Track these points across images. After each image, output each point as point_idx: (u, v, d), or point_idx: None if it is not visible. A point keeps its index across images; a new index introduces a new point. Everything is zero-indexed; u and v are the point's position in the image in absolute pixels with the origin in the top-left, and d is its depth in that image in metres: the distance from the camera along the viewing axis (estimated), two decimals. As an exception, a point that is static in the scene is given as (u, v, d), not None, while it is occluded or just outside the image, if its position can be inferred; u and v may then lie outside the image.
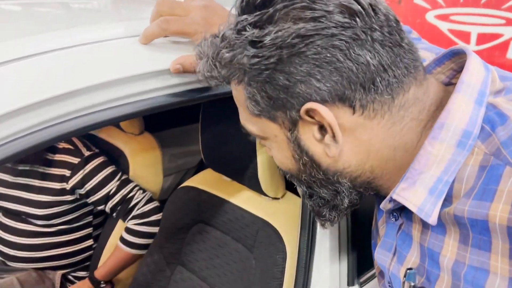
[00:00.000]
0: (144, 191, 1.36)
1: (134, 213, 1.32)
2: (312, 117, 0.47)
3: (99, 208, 1.34)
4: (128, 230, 1.32)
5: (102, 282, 1.33)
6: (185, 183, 1.21)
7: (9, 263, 1.33)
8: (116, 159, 1.41)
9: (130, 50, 0.59)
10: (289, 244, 0.93)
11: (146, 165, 1.43)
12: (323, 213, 0.56)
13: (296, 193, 1.05)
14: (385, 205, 0.52)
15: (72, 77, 0.52)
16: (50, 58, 0.53)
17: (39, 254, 1.33)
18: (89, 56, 0.56)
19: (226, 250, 1.08)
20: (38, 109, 0.50)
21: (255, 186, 1.00)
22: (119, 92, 0.55)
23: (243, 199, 1.07)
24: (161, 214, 1.32)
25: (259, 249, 0.98)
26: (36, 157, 1.28)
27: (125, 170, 1.39)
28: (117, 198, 1.31)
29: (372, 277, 0.85)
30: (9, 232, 1.33)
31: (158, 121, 1.53)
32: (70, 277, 1.40)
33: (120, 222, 1.37)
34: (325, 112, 0.46)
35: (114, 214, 1.34)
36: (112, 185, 1.30)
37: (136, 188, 1.34)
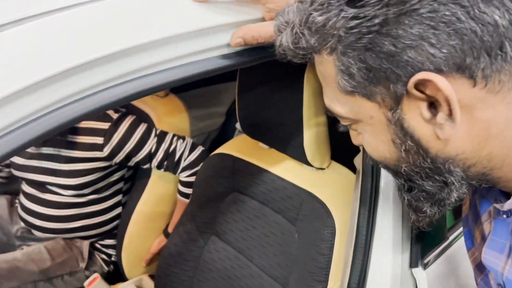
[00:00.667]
0: (183, 139, 1.29)
1: (182, 165, 1.26)
2: (422, 91, 0.38)
3: (144, 167, 1.29)
4: (183, 183, 1.28)
5: None
6: (218, 150, 1.13)
7: (36, 233, 1.30)
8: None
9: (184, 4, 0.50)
10: (339, 219, 0.86)
11: (173, 129, 1.35)
12: (423, 209, 0.47)
13: (341, 163, 0.97)
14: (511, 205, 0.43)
15: (121, 35, 0.44)
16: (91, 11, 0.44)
17: (68, 225, 1.28)
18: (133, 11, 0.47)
19: (264, 221, 1.02)
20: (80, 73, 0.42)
21: (299, 155, 0.92)
22: (175, 51, 0.46)
23: (284, 168, 0.99)
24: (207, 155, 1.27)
25: (303, 222, 0.92)
26: None
27: (151, 135, 1.32)
28: (160, 154, 1.25)
29: (437, 257, 0.78)
30: (35, 202, 1.28)
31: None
32: (97, 245, 1.36)
33: (149, 185, 1.32)
34: (442, 83, 0.37)
35: (163, 169, 1.28)
36: (151, 142, 1.23)
37: (175, 138, 1.27)
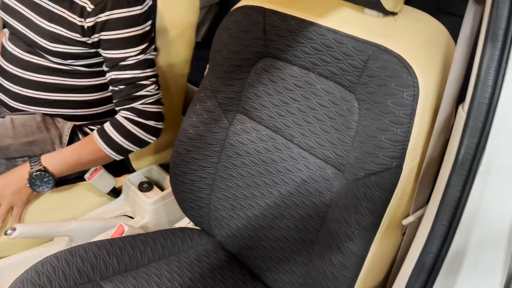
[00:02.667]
0: (158, 88, 1.03)
1: (134, 104, 1.00)
2: None
3: (104, 69, 1.02)
4: (115, 123, 1.00)
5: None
6: (242, 2, 0.87)
7: (11, 102, 1.07)
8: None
9: None
10: (423, 78, 0.64)
11: None
12: None
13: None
14: None
15: None
16: None
17: (49, 96, 1.05)
18: None
19: (309, 92, 0.80)
20: None
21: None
22: None
23: (337, 18, 0.75)
24: (160, 124, 1.03)
25: (368, 86, 0.70)
26: None
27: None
28: (127, 74, 0.98)
29: None
30: (13, 64, 1.04)
31: None
32: (86, 129, 1.14)
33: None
34: None
35: (110, 88, 1.02)
36: (131, 53, 0.97)
37: (154, 79, 1.02)
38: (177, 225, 1.13)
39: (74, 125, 1.10)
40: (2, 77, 1.07)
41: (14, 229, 0.92)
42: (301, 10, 0.78)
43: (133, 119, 1.00)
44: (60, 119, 1.08)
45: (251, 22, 0.84)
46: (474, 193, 0.53)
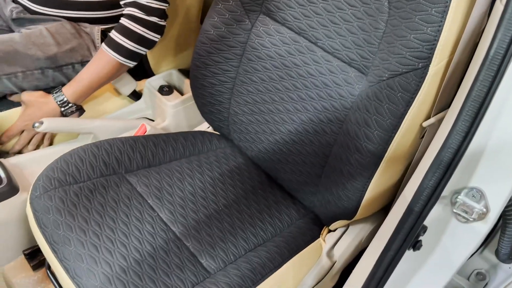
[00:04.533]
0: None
1: None
2: None
3: None
4: (119, 27, 1.00)
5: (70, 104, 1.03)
6: None
7: (33, 6, 1.06)
8: None
9: None
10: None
11: None
12: None
13: None
14: None
15: None
16: None
17: None
18: None
19: (337, -10, 0.77)
20: None
21: None
22: None
23: None
24: (163, 22, 1.01)
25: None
26: None
27: None
28: None
29: None
30: None
31: None
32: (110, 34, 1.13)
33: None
34: None
35: None
36: None
37: None
38: (197, 129, 1.16)
39: (100, 29, 1.10)
40: None
41: (41, 123, 0.95)
42: None
43: (136, 16, 1.00)
44: (85, 24, 1.08)
45: None
46: (500, 91, 0.53)
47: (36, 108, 0.99)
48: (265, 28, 0.89)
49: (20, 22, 1.06)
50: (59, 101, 1.00)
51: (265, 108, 0.93)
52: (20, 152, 1.03)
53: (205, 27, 0.94)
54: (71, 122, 1.02)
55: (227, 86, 0.98)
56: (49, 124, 0.97)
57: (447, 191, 0.59)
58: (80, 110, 1.04)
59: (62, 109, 1.01)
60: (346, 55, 0.78)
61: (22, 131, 1.01)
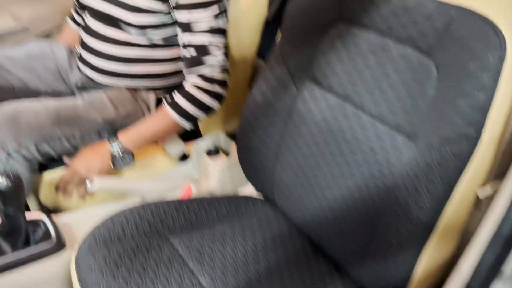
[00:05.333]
0: (227, 58, 1.07)
1: (203, 72, 1.04)
2: None
3: (178, 34, 1.07)
4: (183, 93, 1.06)
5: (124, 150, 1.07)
6: (318, -33, 0.86)
7: (97, 77, 1.14)
8: None
9: None
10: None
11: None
12: None
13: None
14: None
15: None
16: None
17: (131, 68, 1.11)
18: None
19: (384, 57, 0.78)
20: None
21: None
22: None
23: (418, -21, 0.72)
24: (224, 92, 1.07)
25: (448, 51, 0.67)
26: None
27: None
28: (199, 38, 1.02)
29: None
30: (98, 38, 1.11)
31: None
32: (164, 100, 1.20)
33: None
34: None
35: (182, 54, 1.07)
36: (204, 16, 1.01)
37: (224, 49, 1.05)
38: (241, 192, 1.16)
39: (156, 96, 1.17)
40: (88, 52, 1.14)
41: (93, 182, 0.99)
42: (380, -28, 0.76)
43: (200, 86, 1.04)
44: (143, 91, 1.16)
45: (326, -13, 0.83)
46: None
47: (90, 149, 1.04)
48: (311, 94, 0.90)
49: (83, 88, 1.15)
50: (117, 150, 1.04)
51: (311, 173, 0.92)
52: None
53: (253, 93, 0.97)
54: (121, 182, 1.05)
55: (273, 150, 0.98)
56: (101, 183, 1.00)
57: (508, 267, 0.54)
58: (132, 162, 1.08)
59: (116, 155, 1.04)
60: (393, 120, 0.77)
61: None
